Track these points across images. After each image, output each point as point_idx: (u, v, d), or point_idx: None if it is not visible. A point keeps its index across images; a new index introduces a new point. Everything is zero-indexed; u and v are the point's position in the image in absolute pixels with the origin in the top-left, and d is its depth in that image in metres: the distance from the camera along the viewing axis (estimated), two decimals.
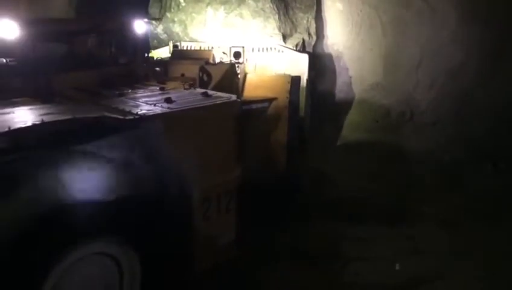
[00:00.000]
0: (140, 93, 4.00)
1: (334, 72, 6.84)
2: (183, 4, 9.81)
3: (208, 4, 9.14)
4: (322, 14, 7.58)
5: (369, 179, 5.59)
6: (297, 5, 8.20)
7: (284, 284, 3.62)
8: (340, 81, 6.93)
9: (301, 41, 7.74)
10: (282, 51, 5.77)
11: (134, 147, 2.90)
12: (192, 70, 5.04)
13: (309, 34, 7.99)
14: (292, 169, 5.00)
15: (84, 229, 2.66)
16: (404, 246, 4.15)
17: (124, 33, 4.52)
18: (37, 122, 2.63)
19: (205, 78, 5.05)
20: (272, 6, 8.24)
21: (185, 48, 6.25)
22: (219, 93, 4.09)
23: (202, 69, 5.04)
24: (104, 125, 2.87)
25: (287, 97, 4.98)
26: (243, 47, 5.43)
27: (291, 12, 8.33)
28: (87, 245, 2.69)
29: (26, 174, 2.50)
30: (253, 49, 5.65)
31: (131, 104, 3.43)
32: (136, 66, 4.71)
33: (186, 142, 3.22)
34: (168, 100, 3.58)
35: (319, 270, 3.83)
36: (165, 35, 8.48)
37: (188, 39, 8.09)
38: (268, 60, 5.53)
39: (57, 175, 2.57)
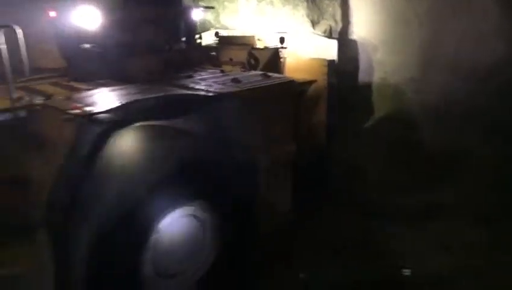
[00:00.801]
0: (204, 75, 4.44)
1: (368, 63, 6.95)
2: None
3: None
4: (350, 2, 7.68)
5: (400, 173, 5.66)
6: None
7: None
8: (374, 74, 6.81)
9: (328, 28, 8.02)
10: (311, 37, 6.26)
11: (215, 120, 3.33)
12: (240, 55, 5.50)
13: (335, 20, 8.25)
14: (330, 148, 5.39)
15: (180, 196, 3.09)
16: (437, 242, 4.24)
17: (184, 21, 4.92)
18: (143, 98, 3.07)
19: (252, 62, 5.42)
20: None
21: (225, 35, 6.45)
22: (276, 75, 4.55)
23: (250, 54, 5.43)
24: (191, 100, 3.31)
25: (325, 79, 5.39)
26: (287, 32, 5.77)
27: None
28: (181, 209, 3.07)
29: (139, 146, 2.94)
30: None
31: (203, 84, 3.87)
32: (194, 51, 5.14)
33: (254, 117, 3.64)
34: (235, 80, 4.04)
35: (345, 262, 4.00)
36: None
37: (219, 26, 8.29)
38: (298, 46, 5.89)
39: (163, 146, 3.01)
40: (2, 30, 2.86)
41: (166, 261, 3.15)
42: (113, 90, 3.42)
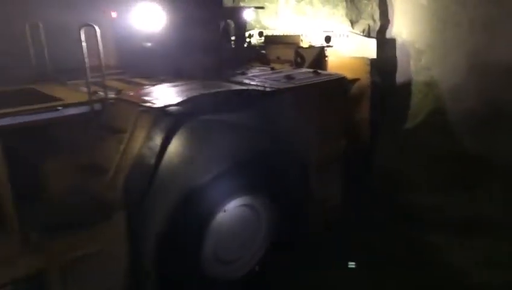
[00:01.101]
0: (256, 72, 4.61)
1: (407, 64, 6.89)
2: None
3: None
4: (389, 3, 7.78)
5: (444, 182, 5.61)
6: None
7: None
8: (420, 79, 6.76)
9: (367, 27, 8.23)
10: (349, 36, 6.43)
11: (273, 115, 3.48)
12: (287, 53, 5.66)
13: (373, 20, 8.47)
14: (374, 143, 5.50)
15: (238, 187, 3.26)
16: (481, 256, 4.19)
17: (235, 20, 5.11)
18: (209, 92, 3.26)
19: (299, 60, 5.64)
20: None
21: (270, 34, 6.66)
22: (326, 72, 4.68)
23: (297, 52, 5.63)
24: (252, 95, 3.47)
25: (368, 78, 5.51)
26: (333, 31, 5.99)
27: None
28: (239, 198, 3.26)
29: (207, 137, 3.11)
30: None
31: (257, 80, 4.03)
32: (244, 50, 5.32)
33: (308, 113, 3.78)
34: (289, 77, 4.18)
35: (389, 273, 4.00)
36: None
37: (259, 27, 8.49)
38: (338, 44, 6.03)
39: (224, 139, 3.19)
40: (83, 28, 3.08)
41: (225, 247, 3.30)
42: (176, 85, 3.63)
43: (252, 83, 3.94)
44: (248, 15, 5.39)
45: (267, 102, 3.52)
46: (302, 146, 3.73)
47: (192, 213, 3.00)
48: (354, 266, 3.79)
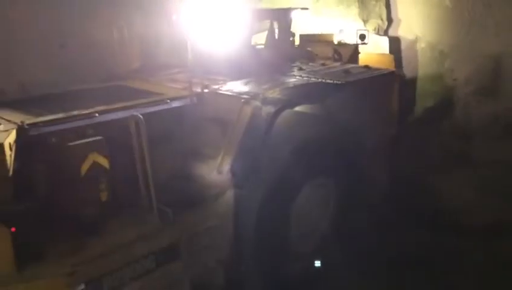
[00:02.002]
0: (311, 68, 5.00)
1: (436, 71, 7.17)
2: None
3: None
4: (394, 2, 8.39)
5: (468, 188, 5.71)
6: None
7: None
8: (443, 82, 7.00)
9: (377, 26, 8.98)
10: (343, 31, 6.71)
11: (342, 105, 3.92)
12: (324, 51, 6.02)
13: (381, 19, 9.30)
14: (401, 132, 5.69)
15: (315, 169, 3.77)
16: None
17: (285, 21, 5.50)
18: (299, 84, 3.69)
19: (336, 56, 5.96)
20: None
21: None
22: (376, 67, 5.14)
23: (335, 50, 6.04)
24: (326, 87, 3.90)
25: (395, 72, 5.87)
26: (368, 30, 6.34)
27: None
28: (316, 179, 3.79)
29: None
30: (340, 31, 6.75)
31: (319, 75, 4.42)
32: (294, 47, 5.71)
33: (369, 102, 4.33)
34: (347, 72, 4.62)
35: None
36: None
37: None
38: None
39: (309, 126, 3.61)
40: (191, 28, 3.45)
41: (304, 220, 3.83)
42: (255, 80, 4.00)
43: (315, 77, 4.32)
44: (295, 16, 5.70)
45: (338, 93, 3.97)
46: (363, 133, 4.17)
47: (284, 191, 3.49)
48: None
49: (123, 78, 4.44)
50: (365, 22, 9.52)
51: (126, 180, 2.98)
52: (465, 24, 6.90)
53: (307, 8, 7.32)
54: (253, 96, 3.40)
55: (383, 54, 6.35)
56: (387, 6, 9.11)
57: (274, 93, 3.52)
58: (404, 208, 5.06)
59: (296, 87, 3.74)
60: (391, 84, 4.89)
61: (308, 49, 5.98)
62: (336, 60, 5.81)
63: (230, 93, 3.56)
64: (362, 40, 5.95)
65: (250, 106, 3.28)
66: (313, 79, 4.14)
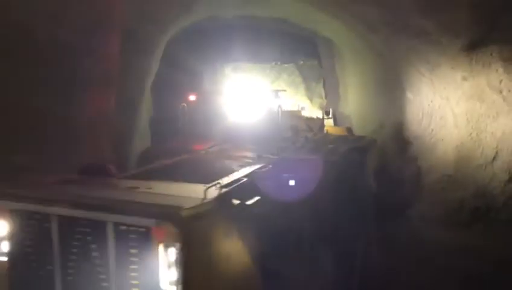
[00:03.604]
0: (305, 140, 6.08)
1: (402, 159, 7.34)
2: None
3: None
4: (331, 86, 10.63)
5: (434, 274, 5.50)
6: (311, 79, 13.67)
7: None
8: (408, 170, 7.29)
9: (320, 104, 12.50)
10: (304, 108, 8.60)
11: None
12: (299, 123, 7.09)
13: (322, 98, 13.02)
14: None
15: None
16: None
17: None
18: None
19: (308, 129, 7.12)
20: (299, 79, 13.71)
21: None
22: (360, 135, 5.91)
23: (306, 123, 7.22)
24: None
25: None
26: (331, 109, 7.90)
27: (308, 83, 13.77)
28: None
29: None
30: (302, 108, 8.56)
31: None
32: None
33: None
34: (346, 139, 4.87)
35: None
36: None
37: None
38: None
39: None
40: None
41: None
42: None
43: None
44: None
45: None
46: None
47: None
48: None
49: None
50: (311, 100, 12.86)
51: None
52: (426, 115, 7.18)
53: (285, 90, 9.11)
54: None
55: (339, 126, 7.89)
56: (325, 90, 12.52)
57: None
58: None
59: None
60: (374, 146, 6.52)
61: (293, 123, 6.82)
62: (309, 131, 6.84)
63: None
64: (327, 115, 7.17)
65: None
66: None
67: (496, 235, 5.88)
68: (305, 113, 7.40)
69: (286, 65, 13.83)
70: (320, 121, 6.86)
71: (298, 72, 13.70)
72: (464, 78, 6.43)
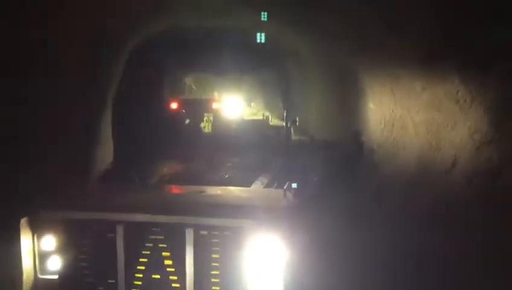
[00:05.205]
0: None
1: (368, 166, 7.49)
2: (194, 88, 13.07)
3: (213, 89, 15.34)
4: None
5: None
6: (272, 90, 14.28)
7: None
8: (370, 177, 7.40)
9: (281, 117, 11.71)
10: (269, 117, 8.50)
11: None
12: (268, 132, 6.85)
13: (281, 108, 13.36)
14: None
15: None
16: None
17: None
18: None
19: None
20: (260, 91, 15.13)
21: None
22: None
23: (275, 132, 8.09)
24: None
25: None
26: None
27: (269, 94, 14.74)
28: None
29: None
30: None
31: None
32: None
33: None
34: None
35: None
36: None
37: None
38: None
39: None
40: None
41: None
42: None
43: None
44: None
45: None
46: None
47: None
48: None
49: None
50: (271, 111, 13.42)
51: None
52: (388, 124, 7.40)
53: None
54: None
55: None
56: (286, 98, 12.88)
57: None
58: None
59: None
60: None
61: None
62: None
63: None
64: (294, 124, 6.76)
65: None
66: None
67: (454, 238, 6.14)
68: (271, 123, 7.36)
69: (247, 76, 13.89)
70: (288, 130, 6.82)
71: (259, 84, 13.85)
72: (423, 89, 6.69)
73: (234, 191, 3.14)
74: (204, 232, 2.57)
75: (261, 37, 10.97)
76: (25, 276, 2.74)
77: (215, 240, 2.58)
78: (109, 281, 2.75)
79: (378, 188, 7.14)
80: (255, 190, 3.18)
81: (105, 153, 8.13)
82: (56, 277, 2.84)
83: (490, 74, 5.39)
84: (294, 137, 7.60)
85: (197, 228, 2.58)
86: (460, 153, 6.40)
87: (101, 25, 6.98)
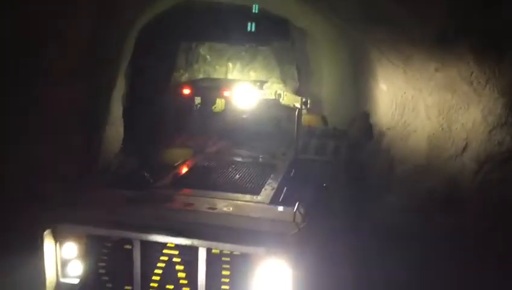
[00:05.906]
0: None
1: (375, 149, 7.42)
2: (209, 58, 12.95)
3: (228, 59, 14.09)
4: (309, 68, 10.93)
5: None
6: (285, 61, 13.96)
7: None
8: (381, 160, 7.31)
9: (294, 87, 12.67)
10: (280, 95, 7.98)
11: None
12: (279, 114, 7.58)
13: (294, 80, 13.57)
14: None
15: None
16: None
17: None
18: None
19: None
20: (274, 62, 14.00)
21: None
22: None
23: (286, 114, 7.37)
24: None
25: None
26: (309, 98, 7.17)
27: (282, 66, 13.99)
28: None
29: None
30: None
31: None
32: None
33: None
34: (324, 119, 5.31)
35: None
36: None
37: None
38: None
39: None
40: None
41: None
42: None
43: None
44: None
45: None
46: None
47: None
48: None
49: None
50: (285, 82, 12.68)
51: None
52: (399, 106, 7.27)
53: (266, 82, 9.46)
54: None
55: (317, 116, 8.36)
56: (298, 71, 13.09)
57: None
58: None
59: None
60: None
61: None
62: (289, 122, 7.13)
63: None
64: (306, 106, 6.77)
65: None
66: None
67: (464, 221, 6.12)
68: (283, 102, 7.14)
69: (261, 48, 13.79)
70: (299, 111, 6.63)
71: (273, 55, 13.74)
72: (437, 70, 6.53)
73: (244, 207, 3.25)
74: (216, 251, 2.78)
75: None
76: (48, 281, 3.06)
77: (227, 259, 2.78)
78: (126, 287, 3.01)
79: (388, 173, 7.09)
80: (264, 209, 3.27)
81: (116, 135, 8.17)
82: (77, 281, 3.12)
83: (506, 55, 5.25)
84: (306, 116, 7.61)
85: (209, 247, 2.79)
86: (472, 136, 6.35)
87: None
